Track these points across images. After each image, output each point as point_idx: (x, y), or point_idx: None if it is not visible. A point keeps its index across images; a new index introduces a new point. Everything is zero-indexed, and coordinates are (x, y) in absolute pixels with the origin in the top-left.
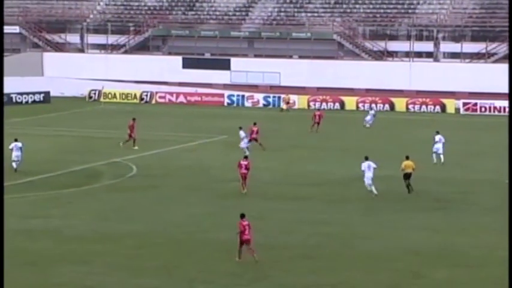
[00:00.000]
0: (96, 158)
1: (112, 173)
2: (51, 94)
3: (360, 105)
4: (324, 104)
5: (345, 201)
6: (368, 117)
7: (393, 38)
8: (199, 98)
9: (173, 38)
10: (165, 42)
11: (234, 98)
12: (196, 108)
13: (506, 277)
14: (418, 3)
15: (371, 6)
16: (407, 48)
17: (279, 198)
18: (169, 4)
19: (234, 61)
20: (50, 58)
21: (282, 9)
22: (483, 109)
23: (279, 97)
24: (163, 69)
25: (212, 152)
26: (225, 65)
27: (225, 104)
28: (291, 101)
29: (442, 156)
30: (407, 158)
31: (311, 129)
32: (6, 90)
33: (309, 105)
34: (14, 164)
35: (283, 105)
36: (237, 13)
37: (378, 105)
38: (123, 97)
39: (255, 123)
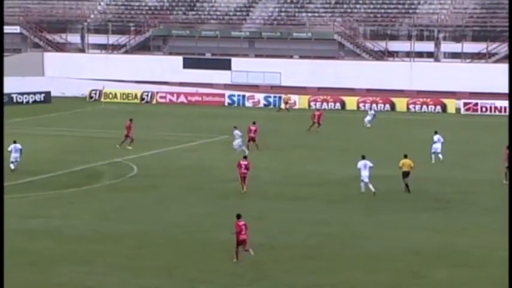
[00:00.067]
0: (97, 158)
1: (113, 173)
2: (52, 94)
3: (361, 105)
4: (324, 104)
5: (345, 201)
6: (368, 118)
7: (394, 38)
8: (200, 98)
9: (174, 38)
10: (166, 42)
11: (235, 98)
12: (196, 108)
13: (506, 277)
14: (419, 3)
15: (372, 6)
16: (408, 48)
17: (279, 198)
18: (170, 4)
19: (235, 61)
20: (51, 58)
21: (283, 9)
22: (484, 109)
23: (280, 97)
24: (164, 69)
25: (213, 152)
26: (226, 65)
27: (226, 104)
28: (290, 101)
29: (440, 155)
30: (405, 156)
31: (309, 129)
32: (7, 90)
33: (309, 105)
34: (11, 165)
35: (282, 105)
36: (238, 13)
37: (379, 105)
38: (124, 97)
39: (254, 123)
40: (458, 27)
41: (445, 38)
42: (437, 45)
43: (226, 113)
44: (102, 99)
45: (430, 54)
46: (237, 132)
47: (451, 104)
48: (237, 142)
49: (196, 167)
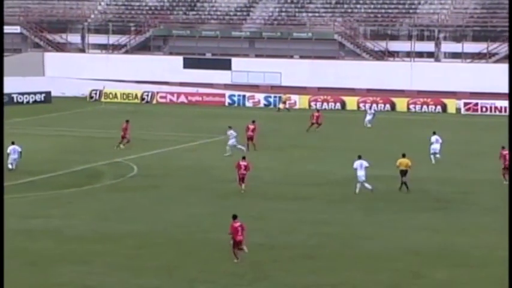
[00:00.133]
0: (97, 158)
1: (113, 173)
2: (52, 94)
3: (361, 105)
4: (325, 104)
5: (345, 201)
6: (368, 117)
7: (394, 38)
8: (200, 98)
9: (174, 38)
10: (166, 42)
11: (235, 98)
12: (197, 108)
13: (506, 277)
14: (419, 3)
15: (372, 6)
16: (408, 48)
17: (279, 198)
18: (170, 4)
19: (235, 61)
20: (51, 58)
21: (283, 9)
22: (484, 109)
23: (280, 97)
24: (164, 69)
25: (213, 152)
26: (226, 65)
27: (226, 104)
28: (288, 101)
29: (438, 155)
30: (403, 155)
31: (308, 129)
32: (7, 90)
33: (310, 105)
34: (9, 166)
35: (281, 105)
36: (238, 13)
37: (379, 105)
38: (124, 97)
39: (253, 121)
40: (458, 27)
41: (445, 38)
42: (437, 45)
43: (227, 113)
44: (103, 99)
45: (430, 54)
46: (231, 132)
47: (452, 104)
48: (232, 142)
49: (197, 167)
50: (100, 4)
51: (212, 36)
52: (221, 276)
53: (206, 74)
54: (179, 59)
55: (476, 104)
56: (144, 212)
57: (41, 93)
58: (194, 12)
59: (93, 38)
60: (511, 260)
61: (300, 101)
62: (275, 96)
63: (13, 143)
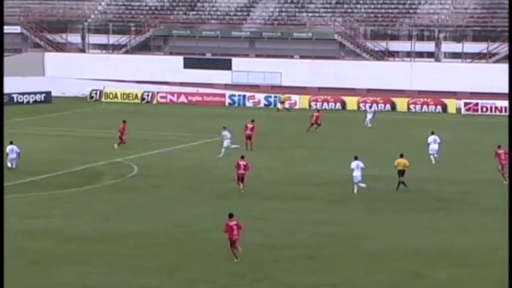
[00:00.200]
0: (98, 158)
1: (113, 173)
2: (53, 94)
3: (361, 105)
4: (325, 104)
5: (346, 201)
6: (369, 117)
7: (394, 38)
8: (200, 98)
9: (174, 38)
10: (166, 42)
11: (235, 98)
12: (197, 108)
13: (506, 277)
14: (419, 3)
15: (372, 6)
16: (408, 48)
17: (280, 198)
18: (171, 4)
19: (235, 61)
20: (51, 58)
21: (283, 9)
22: (484, 109)
23: (278, 97)
24: (164, 69)
25: (213, 152)
26: (226, 65)
27: (226, 104)
28: (288, 101)
29: (436, 155)
30: (401, 156)
31: (309, 129)
32: (7, 90)
33: (310, 106)
34: (8, 164)
35: (279, 105)
36: (238, 13)
37: (379, 105)
38: (125, 97)
39: (252, 121)
40: (458, 27)
41: (445, 38)
42: (437, 45)
43: (227, 113)
44: (103, 99)
45: (430, 54)
46: (226, 133)
47: (452, 104)
48: (226, 143)
49: (197, 167)
50: (100, 4)
51: (212, 36)
52: (221, 276)
53: (206, 74)
54: (179, 59)
55: (477, 104)
56: (144, 212)
57: (41, 93)
58: (194, 12)
59: (94, 38)
60: (511, 260)
61: (300, 101)
62: (275, 96)
63: (11, 143)
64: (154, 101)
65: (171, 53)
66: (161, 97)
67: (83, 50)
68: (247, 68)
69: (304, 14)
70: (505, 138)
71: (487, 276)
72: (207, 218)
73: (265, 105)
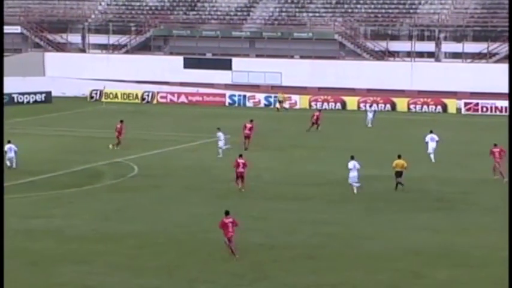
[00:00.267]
0: (98, 158)
1: (113, 173)
2: (53, 94)
3: (362, 105)
4: (325, 104)
5: (346, 201)
6: (370, 116)
7: (394, 38)
8: (200, 98)
9: (174, 38)
10: (167, 42)
11: (236, 98)
12: (197, 108)
13: (506, 277)
14: (420, 3)
15: (372, 6)
16: (408, 48)
17: (280, 198)
18: (171, 4)
19: (236, 61)
20: (52, 58)
21: (284, 9)
22: (484, 109)
23: (276, 97)
24: (164, 69)
25: (213, 152)
26: (227, 65)
27: (227, 104)
28: (288, 101)
29: (432, 154)
30: (399, 157)
31: (309, 129)
32: (7, 90)
33: (310, 105)
34: (7, 162)
35: (277, 105)
36: (239, 13)
37: (380, 105)
38: (125, 97)
39: (251, 120)
40: (459, 27)
41: (445, 38)
42: (438, 45)
43: (227, 113)
44: (103, 99)
45: (430, 54)
46: (220, 134)
47: (452, 104)
48: (221, 143)
49: (197, 167)
50: (100, 4)
51: (212, 36)
52: (221, 276)
53: (206, 74)
54: (179, 59)
55: (477, 104)
56: (144, 212)
57: (41, 93)
58: (194, 12)
59: (94, 38)
60: (511, 260)
61: (301, 101)
62: (275, 96)
63: (9, 142)
64: (155, 101)
65: (171, 53)
66: (161, 97)
67: (83, 50)
68: (248, 68)
69: (305, 14)
70: (505, 138)
71: (487, 276)
72: (207, 218)
73: (265, 105)
